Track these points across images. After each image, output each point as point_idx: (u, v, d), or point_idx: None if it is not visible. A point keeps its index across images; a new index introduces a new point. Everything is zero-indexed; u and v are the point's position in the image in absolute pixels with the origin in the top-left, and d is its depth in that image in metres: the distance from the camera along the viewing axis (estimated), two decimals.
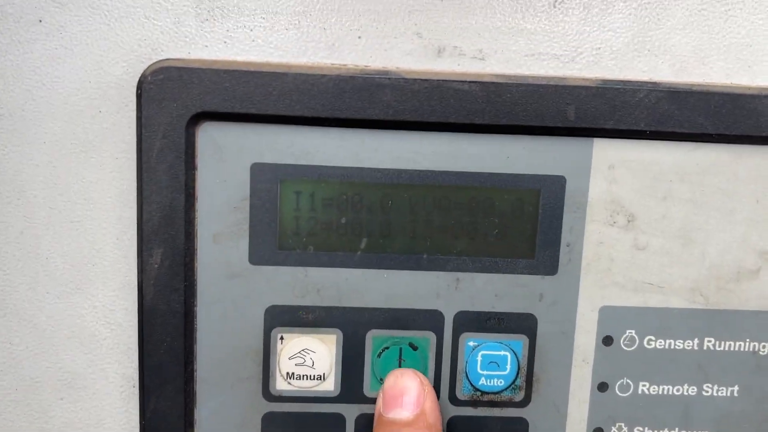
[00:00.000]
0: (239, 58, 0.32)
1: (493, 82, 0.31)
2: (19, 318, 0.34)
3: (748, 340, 0.34)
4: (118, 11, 0.32)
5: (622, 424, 0.35)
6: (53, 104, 0.32)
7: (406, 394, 0.31)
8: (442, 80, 0.31)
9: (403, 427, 0.31)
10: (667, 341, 0.34)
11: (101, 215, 0.33)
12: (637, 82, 0.32)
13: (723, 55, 0.34)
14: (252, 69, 0.30)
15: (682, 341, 0.34)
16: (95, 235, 0.33)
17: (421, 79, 0.31)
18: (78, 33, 0.32)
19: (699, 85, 0.32)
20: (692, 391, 0.35)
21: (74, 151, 0.33)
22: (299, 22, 0.32)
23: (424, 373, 0.33)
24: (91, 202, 0.33)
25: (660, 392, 0.34)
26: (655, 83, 0.32)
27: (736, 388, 0.35)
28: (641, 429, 0.35)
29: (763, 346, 0.34)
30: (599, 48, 0.33)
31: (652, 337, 0.34)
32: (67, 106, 0.32)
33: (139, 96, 0.31)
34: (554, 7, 0.33)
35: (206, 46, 0.32)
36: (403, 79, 0.31)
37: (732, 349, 0.34)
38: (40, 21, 0.32)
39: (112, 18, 0.32)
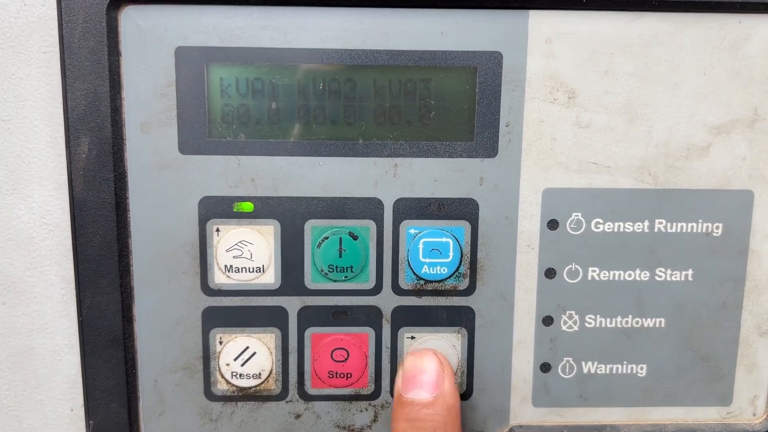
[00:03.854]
0: None
1: None
2: None
3: (700, 220, 0.33)
4: None
5: (573, 312, 0.34)
6: None
7: (425, 373, 0.31)
8: None
9: (423, 408, 0.31)
10: (616, 224, 0.33)
11: (32, 113, 0.33)
12: None
13: None
14: None
15: (631, 224, 0.33)
16: (27, 133, 0.33)
17: None
18: None
19: None
20: (645, 276, 0.34)
21: (0, 47, 0.32)
22: None
23: (365, 262, 0.33)
24: (21, 99, 0.33)
25: (611, 278, 0.33)
26: None
27: (690, 271, 0.34)
28: (593, 317, 0.34)
29: (717, 227, 0.33)
30: None
31: (600, 220, 0.33)
32: None
33: None
34: None
35: None
36: None
37: (684, 230, 0.33)
38: None
39: None
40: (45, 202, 0.33)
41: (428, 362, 0.32)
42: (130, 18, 0.30)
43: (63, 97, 0.31)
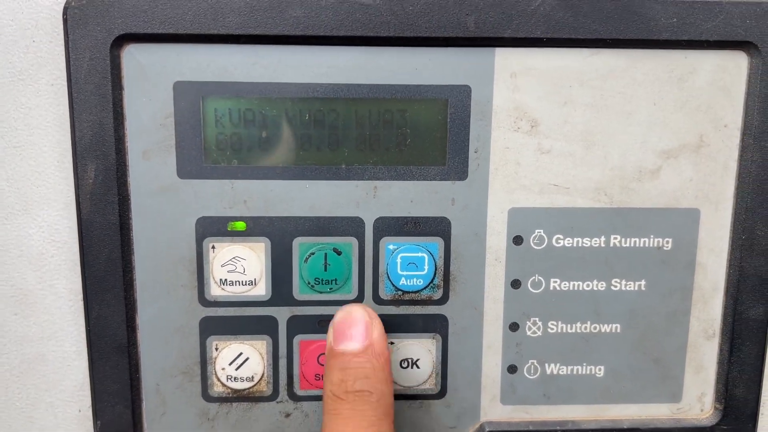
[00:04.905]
0: None
1: None
2: None
3: (652, 236, 0.37)
4: None
5: (536, 319, 0.37)
6: None
7: (354, 326, 0.34)
8: None
9: (354, 357, 0.33)
10: (575, 239, 0.36)
11: (41, 140, 0.36)
12: None
13: None
14: None
15: (589, 239, 0.36)
16: (37, 158, 0.36)
17: None
18: None
19: None
20: (601, 286, 0.37)
21: (12, 80, 0.35)
22: None
23: (348, 275, 0.36)
24: (31, 128, 0.36)
25: (571, 288, 0.37)
26: None
27: (643, 282, 0.37)
28: (555, 323, 0.37)
29: (667, 242, 0.37)
30: None
31: (561, 236, 0.36)
32: (1, 37, 0.34)
33: (65, 21, 0.33)
34: None
35: None
36: None
37: (637, 245, 0.37)
38: None
39: None
40: (54, 221, 0.36)
41: (357, 314, 0.34)
42: (131, 55, 0.33)
43: (71, 127, 0.34)
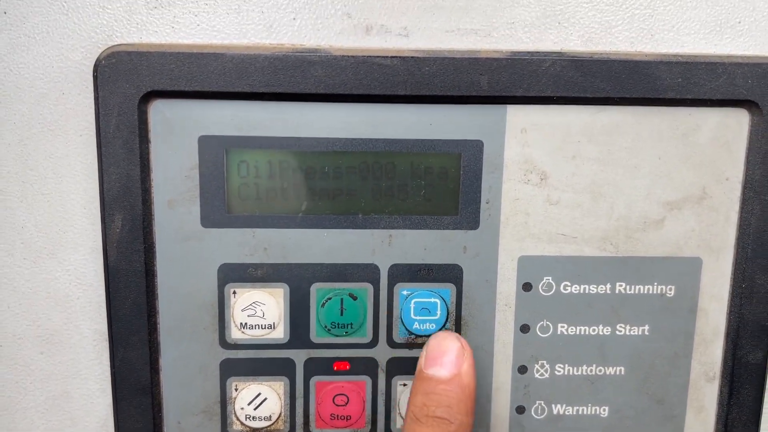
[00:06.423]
0: (186, 41, 0.36)
1: (412, 57, 0.34)
2: (0, 282, 0.38)
3: (656, 283, 0.38)
4: (74, 1, 0.35)
5: (544, 362, 0.39)
6: (21, 88, 0.36)
7: (446, 354, 0.35)
8: (367, 56, 0.34)
9: (439, 384, 0.34)
10: (582, 286, 0.38)
11: (69, 187, 0.37)
12: (543, 52, 0.35)
13: (627, 25, 0.37)
14: (194, 51, 0.34)
15: (595, 286, 0.38)
16: (64, 205, 0.37)
17: (348, 56, 0.34)
18: (39, 23, 0.35)
19: (601, 53, 0.35)
20: (607, 331, 0.38)
21: (42, 131, 0.36)
22: (239, 6, 0.36)
23: (363, 319, 0.37)
24: (59, 176, 0.37)
25: (577, 332, 0.38)
26: (559, 53, 0.35)
27: (647, 327, 0.39)
28: (562, 366, 0.39)
29: (670, 289, 0.38)
30: (513, 23, 0.36)
31: (568, 283, 0.38)
32: (33, 90, 0.36)
33: (95, 78, 0.34)
34: None
35: (156, 31, 0.36)
36: (332, 56, 0.34)
37: (642, 292, 0.38)
38: (5, 13, 0.35)
39: (69, 8, 0.35)
40: (80, 265, 0.38)
41: (450, 343, 0.35)
42: (158, 110, 0.35)
43: (99, 179, 0.35)
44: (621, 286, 0.38)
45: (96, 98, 0.34)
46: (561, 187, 0.37)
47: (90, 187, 0.37)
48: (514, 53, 0.35)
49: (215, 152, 0.35)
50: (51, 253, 0.38)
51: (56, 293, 0.38)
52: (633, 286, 0.38)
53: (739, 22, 0.37)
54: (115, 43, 0.35)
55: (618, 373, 0.39)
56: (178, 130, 0.35)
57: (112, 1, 0.35)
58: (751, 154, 0.37)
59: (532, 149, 0.36)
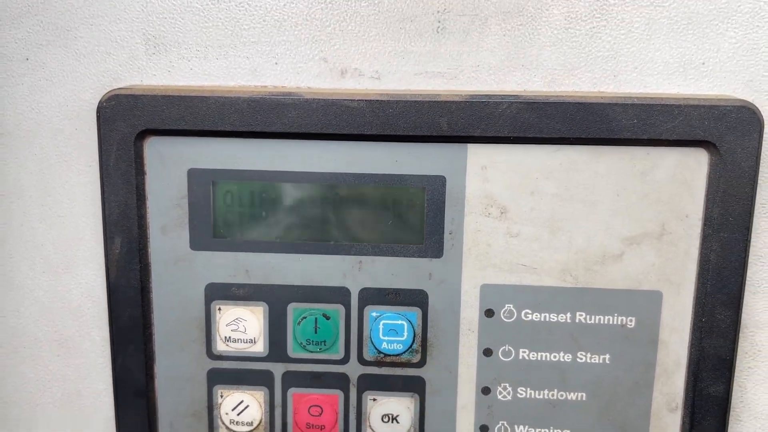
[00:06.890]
0: (181, 83, 0.40)
1: (377, 100, 0.37)
2: (23, 293, 0.43)
3: (616, 314, 0.39)
4: (85, 49, 0.40)
5: (507, 384, 0.41)
6: (40, 124, 0.41)
7: None
8: (336, 99, 0.37)
9: None
10: (542, 314, 0.40)
11: (81, 211, 0.42)
12: (500, 95, 0.37)
13: (590, 67, 0.39)
14: (184, 94, 0.38)
15: (555, 314, 0.40)
16: (77, 226, 0.42)
17: (319, 99, 0.37)
18: (56, 67, 0.40)
19: (557, 95, 0.37)
20: (567, 357, 0.40)
21: (58, 161, 0.41)
22: (227, 53, 0.40)
23: (335, 338, 0.41)
24: (73, 201, 0.42)
25: (539, 358, 0.40)
26: (516, 95, 0.37)
27: (607, 356, 0.40)
28: (524, 389, 0.41)
29: (630, 320, 0.40)
30: (478, 66, 0.39)
31: (529, 311, 0.40)
32: (51, 126, 0.41)
33: (98, 118, 0.39)
34: (437, 32, 0.39)
35: (155, 75, 0.40)
36: (304, 99, 0.38)
37: (602, 322, 0.40)
38: (27, 59, 0.40)
39: (81, 55, 0.40)
40: (90, 279, 0.43)
41: None
42: (153, 146, 0.39)
43: (102, 206, 0.40)
44: (581, 315, 0.40)
45: (99, 135, 0.39)
46: (520, 221, 0.39)
47: (98, 212, 0.42)
48: (473, 95, 0.37)
49: (203, 183, 0.39)
50: (65, 269, 0.43)
51: (70, 304, 0.43)
52: (593, 316, 0.40)
53: (703, 63, 0.38)
54: (120, 86, 0.40)
55: (579, 398, 0.41)
56: (170, 164, 0.39)
57: (116, 48, 0.40)
58: (710, 192, 0.38)
59: (492, 185, 0.38)
